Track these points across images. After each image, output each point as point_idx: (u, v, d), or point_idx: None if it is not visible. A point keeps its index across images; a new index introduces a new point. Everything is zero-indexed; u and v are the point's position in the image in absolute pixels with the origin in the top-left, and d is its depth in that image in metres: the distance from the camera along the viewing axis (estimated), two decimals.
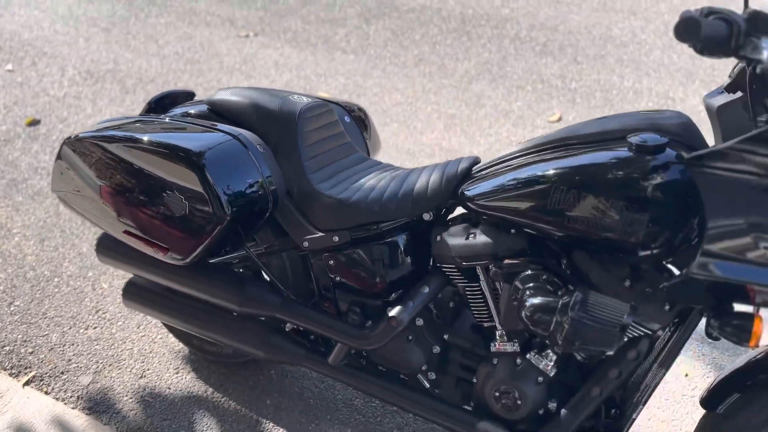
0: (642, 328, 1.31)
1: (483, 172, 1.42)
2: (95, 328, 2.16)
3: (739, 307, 1.21)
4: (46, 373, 2.00)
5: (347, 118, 1.81)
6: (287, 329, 1.68)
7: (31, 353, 2.07)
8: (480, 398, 1.47)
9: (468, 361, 1.52)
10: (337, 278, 1.60)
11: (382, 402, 1.61)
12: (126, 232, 1.59)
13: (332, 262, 1.58)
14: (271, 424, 1.85)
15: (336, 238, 1.55)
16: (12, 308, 2.24)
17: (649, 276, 1.28)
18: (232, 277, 1.64)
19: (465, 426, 1.46)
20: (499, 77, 3.82)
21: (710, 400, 1.36)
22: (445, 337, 1.55)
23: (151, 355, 2.06)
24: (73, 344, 2.10)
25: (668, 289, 1.18)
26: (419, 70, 3.91)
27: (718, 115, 1.26)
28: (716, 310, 1.19)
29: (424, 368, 1.55)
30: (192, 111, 1.70)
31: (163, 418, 1.86)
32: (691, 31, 0.93)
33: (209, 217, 1.44)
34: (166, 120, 1.62)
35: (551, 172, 1.28)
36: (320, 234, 1.56)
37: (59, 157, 1.67)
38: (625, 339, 1.33)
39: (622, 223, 1.20)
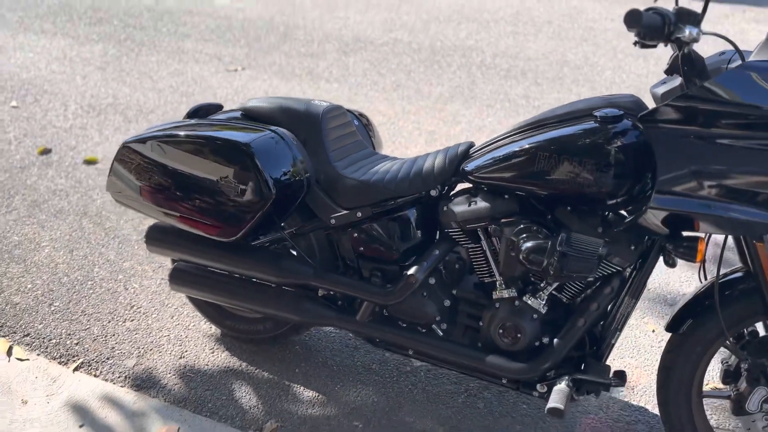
0: (614, 266, 1.64)
1: (479, 152, 1.76)
2: (132, 320, 2.40)
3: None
4: (93, 360, 2.23)
5: (356, 121, 2.14)
6: (318, 296, 1.96)
7: (77, 344, 2.30)
8: (486, 337, 1.78)
9: (474, 310, 1.83)
10: (360, 249, 1.90)
11: (403, 352, 1.90)
12: (181, 217, 1.87)
13: (356, 235, 1.89)
14: (302, 388, 2.11)
15: (359, 214, 1.86)
16: (52, 308, 2.46)
17: (617, 223, 1.62)
18: (269, 254, 1.93)
19: (476, 361, 1.76)
20: (470, 98, 4.22)
21: (673, 324, 1.70)
22: (454, 292, 1.86)
23: (187, 340, 2.31)
24: (114, 335, 2.34)
25: (633, 223, 1.52)
26: (398, 94, 4.29)
27: (662, 100, 1.63)
28: (670, 238, 1.53)
29: (437, 319, 1.85)
30: (229, 116, 2.01)
31: (205, 389, 2.11)
32: (635, 20, 1.30)
33: (258, 197, 1.74)
34: (211, 122, 1.93)
35: (535, 144, 1.61)
36: (345, 212, 1.87)
37: (117, 162, 1.94)
38: (600, 278, 1.66)
39: (593, 179, 1.54)
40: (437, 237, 1.88)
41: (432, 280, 1.85)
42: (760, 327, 1.71)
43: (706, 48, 3.45)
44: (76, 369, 2.20)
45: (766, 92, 1.32)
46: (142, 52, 5.03)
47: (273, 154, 1.76)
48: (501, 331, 1.74)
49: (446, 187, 1.83)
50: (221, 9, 6.18)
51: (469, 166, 1.73)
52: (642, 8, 1.35)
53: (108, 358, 2.24)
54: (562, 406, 1.57)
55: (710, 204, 1.42)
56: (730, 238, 1.68)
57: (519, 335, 1.72)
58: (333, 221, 1.89)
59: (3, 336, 2.32)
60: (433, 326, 1.86)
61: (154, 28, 5.58)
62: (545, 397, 1.75)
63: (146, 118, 3.95)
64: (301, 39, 5.34)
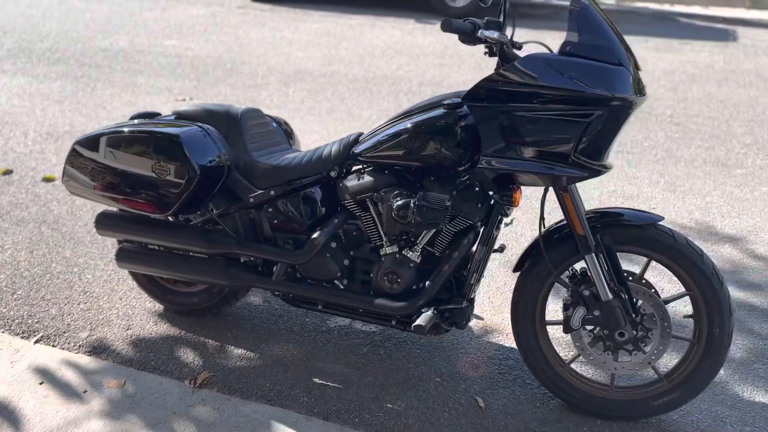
0: (467, 221, 2.10)
1: (365, 138, 2.22)
2: (86, 303, 2.77)
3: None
4: (51, 334, 2.58)
5: (275, 124, 2.60)
6: (241, 263, 2.38)
7: (37, 322, 2.65)
8: (376, 285, 2.21)
9: (366, 266, 2.27)
10: (275, 222, 2.33)
11: (313, 307, 2.31)
12: (123, 200, 2.28)
13: (271, 210, 2.32)
14: (233, 347, 2.50)
15: (272, 192, 2.30)
16: (15, 296, 2.81)
17: (466, 188, 2.08)
18: (199, 230, 2.35)
19: (369, 304, 2.19)
20: None
21: (517, 266, 2.16)
22: (351, 253, 2.29)
23: (134, 315, 2.68)
24: (69, 314, 2.70)
25: (470, 182, 1.99)
26: (331, 117, 4.78)
27: None
28: (499, 192, 2.01)
29: (339, 275, 2.28)
30: (164, 119, 2.44)
31: (148, 351, 2.48)
32: (447, 26, 1.80)
33: (185, 178, 2.16)
34: (149, 122, 2.35)
35: (403, 128, 2.08)
36: (261, 191, 2.31)
37: (69, 160, 2.34)
38: (459, 231, 2.12)
39: (445, 152, 2.01)
40: (338, 209, 2.33)
41: (333, 244, 2.29)
42: None
43: None
44: (36, 342, 2.55)
45: (550, 73, 1.82)
46: (98, 87, 5.44)
47: (198, 143, 2.20)
48: (385, 278, 2.18)
49: (344, 170, 2.28)
50: (172, 48, 6.65)
51: (358, 149, 2.20)
52: (462, 20, 1.86)
53: (64, 332, 2.59)
54: (423, 323, 2.01)
55: (521, 163, 1.90)
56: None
57: (399, 280, 2.16)
58: (252, 200, 2.32)
59: None
60: (336, 281, 2.29)
61: (109, 66, 6.01)
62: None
63: None
64: (246, 73, 5.84)
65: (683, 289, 2.07)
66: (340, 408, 2.21)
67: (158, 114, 2.57)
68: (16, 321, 2.66)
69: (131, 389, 2.29)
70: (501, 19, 1.89)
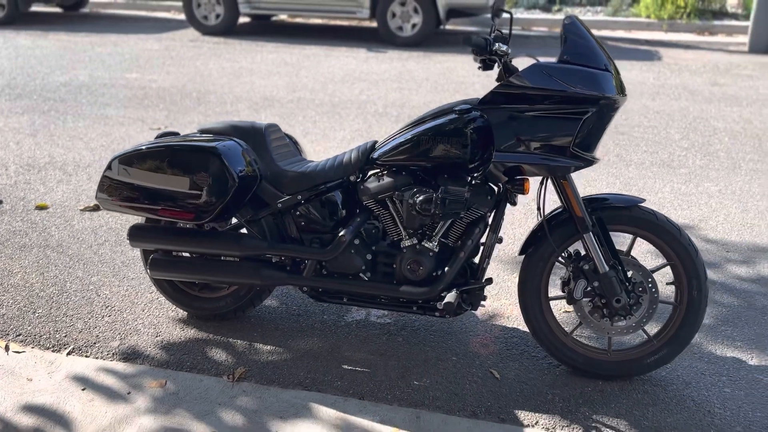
0: (478, 212, 2.40)
1: (381, 144, 2.50)
2: (110, 316, 2.89)
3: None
4: (82, 345, 2.70)
5: (287, 139, 2.84)
6: (272, 263, 2.59)
7: (65, 336, 2.75)
8: (399, 274, 2.47)
9: (387, 259, 2.52)
10: (302, 224, 2.56)
11: (338, 300, 2.54)
12: (162, 210, 2.46)
13: (298, 213, 2.55)
14: (261, 345, 2.69)
15: (299, 197, 2.53)
16: (36, 314, 2.90)
17: (476, 186, 2.38)
18: (232, 235, 2.55)
19: (394, 291, 2.44)
20: (368, 138, 5.03)
21: (522, 249, 2.47)
22: (373, 248, 2.54)
23: (160, 324, 2.83)
24: (95, 327, 2.81)
25: (484, 175, 2.30)
26: (307, 138, 5.03)
27: None
28: (508, 182, 2.32)
29: (363, 269, 2.52)
30: (194, 135, 2.64)
31: (182, 354, 2.64)
32: (468, 41, 2.12)
33: (224, 186, 2.37)
34: (180, 139, 2.55)
35: (418, 132, 2.37)
36: (289, 196, 2.54)
37: (107, 172, 2.50)
38: (471, 222, 2.41)
39: (458, 152, 2.30)
40: (358, 209, 2.58)
41: (356, 241, 2.54)
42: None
43: None
44: (69, 353, 2.66)
45: (550, 79, 2.16)
46: (68, 120, 5.50)
47: (233, 154, 2.42)
48: (408, 267, 2.44)
49: (362, 175, 2.54)
50: (134, 81, 6.75)
51: (376, 154, 2.47)
52: (473, 36, 2.18)
53: (95, 343, 2.71)
54: (452, 301, 2.29)
55: (530, 156, 2.22)
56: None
57: (421, 268, 2.42)
58: (280, 205, 2.55)
59: None
60: (360, 274, 2.53)
61: (74, 100, 6.06)
62: (444, 315, 2.45)
63: (85, 171, 4.43)
64: (214, 101, 6.02)
65: (661, 261, 2.42)
66: (373, 388, 2.44)
67: (178, 133, 2.77)
68: (44, 336, 2.75)
69: (173, 387, 2.44)
70: (507, 35, 2.23)
